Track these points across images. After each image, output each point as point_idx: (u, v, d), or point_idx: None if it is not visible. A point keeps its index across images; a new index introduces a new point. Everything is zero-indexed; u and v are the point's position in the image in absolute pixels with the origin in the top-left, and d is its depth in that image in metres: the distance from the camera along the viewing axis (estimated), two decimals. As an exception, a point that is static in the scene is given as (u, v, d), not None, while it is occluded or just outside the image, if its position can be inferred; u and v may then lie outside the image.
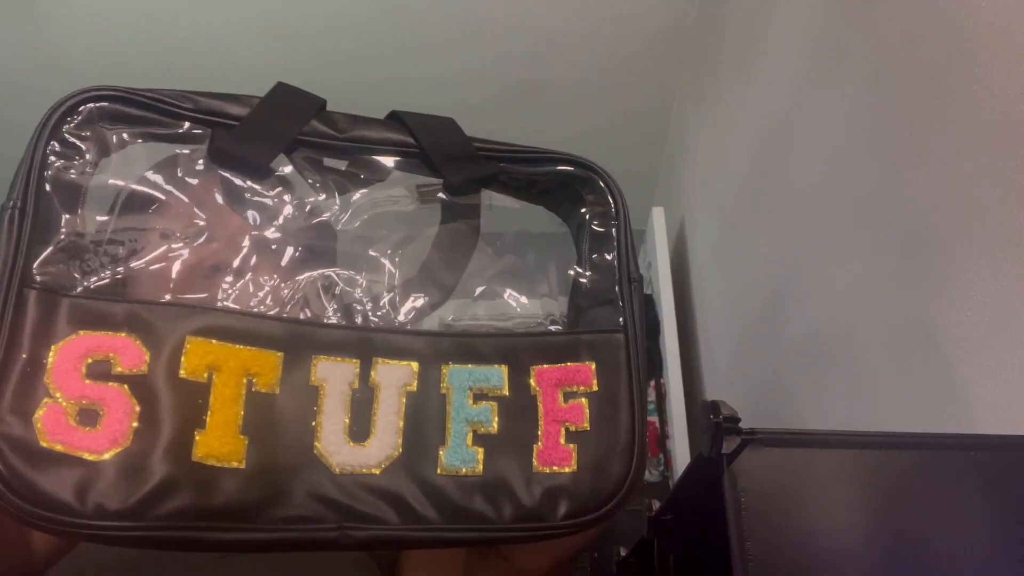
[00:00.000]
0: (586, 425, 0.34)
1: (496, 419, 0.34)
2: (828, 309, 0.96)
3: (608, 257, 0.37)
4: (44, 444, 0.28)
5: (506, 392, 0.34)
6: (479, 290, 0.38)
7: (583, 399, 0.34)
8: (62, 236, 0.31)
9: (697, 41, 1.86)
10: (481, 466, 0.33)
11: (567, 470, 0.32)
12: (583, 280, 0.37)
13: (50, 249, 0.31)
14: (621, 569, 0.55)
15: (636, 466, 0.32)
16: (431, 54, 2.00)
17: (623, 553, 0.55)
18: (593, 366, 0.35)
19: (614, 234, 0.37)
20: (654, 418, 1.81)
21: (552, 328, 0.37)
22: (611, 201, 0.39)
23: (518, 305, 0.38)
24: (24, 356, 0.29)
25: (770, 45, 1.24)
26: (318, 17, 1.86)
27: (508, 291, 0.38)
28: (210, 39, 1.90)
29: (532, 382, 0.34)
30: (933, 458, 0.41)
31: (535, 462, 0.33)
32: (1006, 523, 0.40)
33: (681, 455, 1.70)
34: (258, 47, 1.94)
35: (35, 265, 0.30)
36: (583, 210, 0.39)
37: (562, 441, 0.33)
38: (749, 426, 0.39)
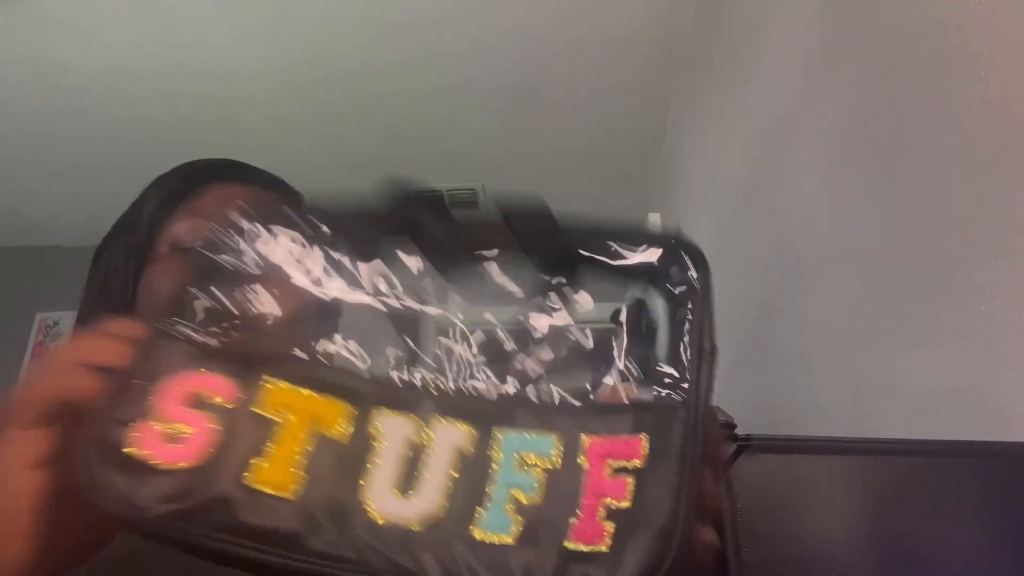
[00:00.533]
0: (627, 503, 0.32)
1: (539, 488, 0.33)
2: (825, 317, 0.96)
3: (682, 326, 0.36)
4: (129, 449, 0.32)
5: (553, 461, 0.34)
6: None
7: (629, 475, 0.33)
8: (195, 286, 0.37)
9: (693, 52, 1.87)
10: (517, 534, 0.32)
11: (602, 548, 0.32)
12: (649, 349, 0.37)
13: (185, 298, 0.37)
14: None
15: (676, 552, 0.31)
16: (428, 65, 2.01)
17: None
18: (646, 440, 0.33)
19: (690, 302, 0.36)
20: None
21: (608, 399, 0.36)
22: (690, 266, 0.38)
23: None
24: (139, 382, 0.33)
25: (764, 57, 1.25)
26: (313, 23, 1.87)
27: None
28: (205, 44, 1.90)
29: (582, 453, 0.34)
30: (927, 464, 0.41)
31: (571, 537, 0.32)
32: (1002, 529, 0.40)
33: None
34: (257, 49, 1.95)
35: (170, 310, 0.36)
36: (661, 275, 0.38)
37: (600, 518, 0.32)
38: (745, 433, 0.40)
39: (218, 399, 0.34)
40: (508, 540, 0.32)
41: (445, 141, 2.36)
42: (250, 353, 0.35)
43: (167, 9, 1.82)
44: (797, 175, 1.09)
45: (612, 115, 2.26)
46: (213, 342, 0.36)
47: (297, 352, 0.36)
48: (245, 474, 0.32)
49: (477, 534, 0.32)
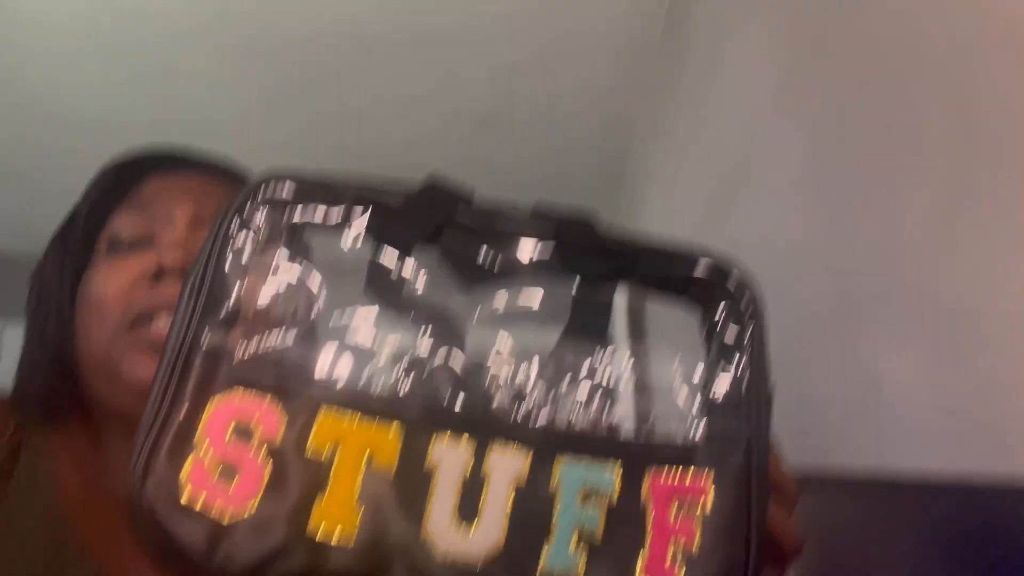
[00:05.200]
0: (695, 548, 0.32)
1: (603, 524, 0.32)
2: (782, 351, 0.96)
3: (739, 363, 0.35)
4: (186, 496, 0.31)
5: (616, 497, 0.33)
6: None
7: (696, 519, 0.33)
8: (230, 307, 0.34)
9: (658, 73, 1.88)
10: (582, 573, 0.32)
11: None
12: (709, 386, 0.35)
13: (219, 318, 0.34)
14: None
15: None
16: (388, 81, 1.99)
17: None
18: (711, 484, 0.33)
19: (747, 339, 0.36)
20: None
21: (670, 435, 0.35)
22: (748, 302, 0.36)
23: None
24: (184, 413, 0.32)
25: (729, 78, 1.26)
26: (276, 40, 1.84)
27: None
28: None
29: (644, 491, 0.33)
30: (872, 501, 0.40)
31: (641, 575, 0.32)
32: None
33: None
34: (230, 76, 1.90)
35: (204, 331, 0.33)
36: (717, 309, 0.37)
37: (668, 561, 0.32)
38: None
39: (266, 431, 0.32)
40: (577, 575, 0.31)
41: (411, 159, 2.34)
42: (296, 376, 0.33)
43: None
44: (761, 193, 1.09)
45: (576, 132, 2.27)
46: (252, 358, 0.33)
47: (344, 373, 0.34)
48: (305, 519, 0.31)
49: (542, 570, 0.31)
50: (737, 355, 0.35)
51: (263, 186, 0.36)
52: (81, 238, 0.55)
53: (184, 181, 0.58)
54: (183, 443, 0.31)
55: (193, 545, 0.30)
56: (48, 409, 0.53)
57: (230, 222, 0.35)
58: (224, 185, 0.59)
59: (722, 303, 0.37)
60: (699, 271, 0.38)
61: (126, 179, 0.57)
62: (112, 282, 0.52)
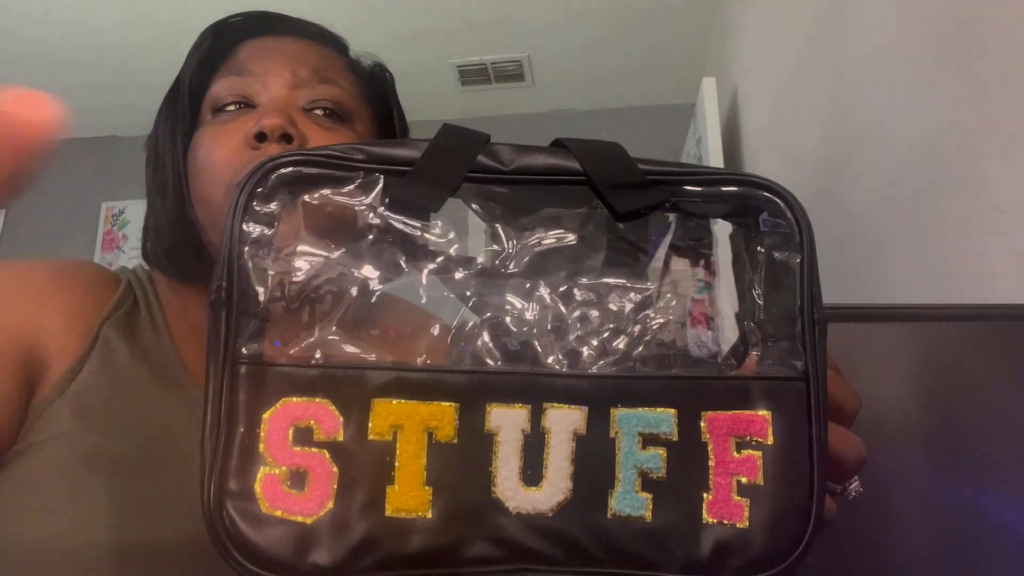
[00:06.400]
0: (760, 480, 0.33)
1: (665, 466, 0.33)
2: (892, 179, 0.92)
3: (789, 293, 0.34)
4: (265, 510, 0.31)
5: (675, 438, 0.34)
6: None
7: (757, 451, 0.33)
8: (261, 307, 0.33)
9: None
10: (650, 513, 0.33)
11: (739, 525, 0.32)
12: (760, 317, 0.35)
13: (253, 322, 0.33)
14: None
15: (813, 527, 0.32)
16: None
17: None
18: (769, 416, 0.33)
19: (797, 268, 0.35)
20: (703, 296, 1.81)
21: (725, 370, 0.35)
22: (796, 230, 0.35)
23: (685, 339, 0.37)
24: (242, 430, 0.32)
25: None
26: None
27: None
28: None
29: (703, 429, 0.34)
30: (985, 329, 0.41)
31: (705, 513, 0.33)
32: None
33: (730, 332, 1.71)
34: None
35: (242, 340, 0.33)
36: (762, 238, 0.36)
37: (734, 495, 0.33)
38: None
39: (325, 431, 0.32)
40: (647, 517, 0.33)
41: (488, 6, 2.25)
42: (342, 368, 0.33)
43: None
44: (864, 29, 1.01)
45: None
46: (295, 358, 0.33)
47: (389, 355, 0.34)
48: (381, 506, 0.32)
49: (611, 515, 0.33)
50: (788, 281, 0.34)
51: (267, 175, 0.34)
52: (186, 103, 0.57)
53: (279, 44, 0.59)
54: (249, 460, 0.32)
55: (281, 552, 0.31)
56: (173, 266, 0.57)
57: (241, 220, 0.33)
58: (319, 49, 0.60)
59: (767, 227, 0.35)
60: (742, 195, 0.35)
61: (223, 44, 0.59)
62: (217, 146, 0.54)
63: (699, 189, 0.36)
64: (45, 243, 2.84)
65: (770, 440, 0.33)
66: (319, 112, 0.56)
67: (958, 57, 0.74)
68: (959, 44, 0.73)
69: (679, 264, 0.38)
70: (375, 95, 0.62)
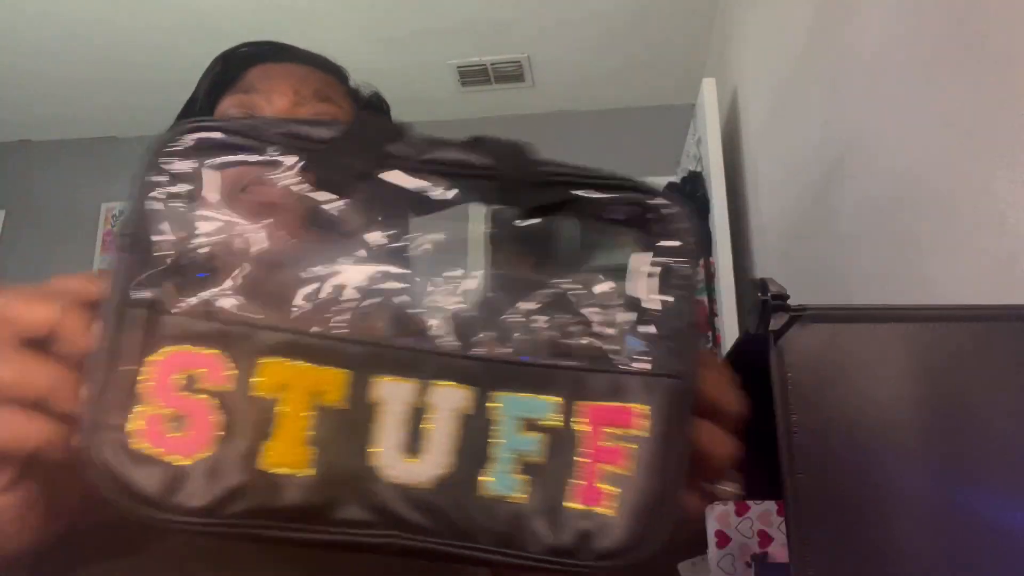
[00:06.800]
0: (629, 470, 0.34)
1: (542, 450, 0.35)
2: (887, 182, 0.92)
3: (674, 298, 0.36)
4: (137, 444, 0.32)
5: (555, 424, 0.35)
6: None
7: (631, 444, 0.35)
8: (162, 259, 0.34)
9: None
10: (524, 495, 0.34)
11: (605, 512, 0.34)
12: (645, 317, 0.37)
13: (151, 272, 0.34)
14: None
15: (665, 522, 0.34)
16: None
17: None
18: (646, 411, 0.35)
19: (683, 275, 0.37)
20: (703, 297, 1.81)
21: (609, 363, 0.36)
22: (685, 240, 0.37)
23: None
24: (124, 368, 0.33)
25: None
26: None
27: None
28: None
29: (580, 417, 0.35)
30: (982, 330, 0.41)
31: (574, 499, 0.34)
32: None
33: (730, 333, 1.72)
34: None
35: (137, 286, 0.34)
36: (654, 244, 0.37)
37: (602, 483, 0.34)
38: (799, 303, 0.39)
39: (213, 380, 0.33)
40: (515, 499, 0.34)
41: (488, 7, 2.26)
42: (237, 324, 0.34)
43: None
44: (862, 33, 1.01)
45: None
46: (190, 309, 0.34)
47: (286, 318, 0.35)
48: (258, 458, 0.33)
49: (486, 493, 0.34)
50: (675, 287, 0.36)
51: (184, 134, 0.36)
52: None
53: (283, 69, 0.65)
54: (129, 397, 0.32)
55: (149, 489, 0.31)
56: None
57: (153, 172, 0.35)
58: (321, 75, 0.65)
59: (659, 234, 0.37)
60: (637, 202, 0.37)
61: (233, 68, 0.65)
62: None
63: (597, 195, 0.37)
64: (45, 243, 2.85)
65: (644, 433, 0.34)
66: None
67: (957, 59, 0.74)
68: (958, 46, 0.74)
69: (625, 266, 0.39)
70: None
